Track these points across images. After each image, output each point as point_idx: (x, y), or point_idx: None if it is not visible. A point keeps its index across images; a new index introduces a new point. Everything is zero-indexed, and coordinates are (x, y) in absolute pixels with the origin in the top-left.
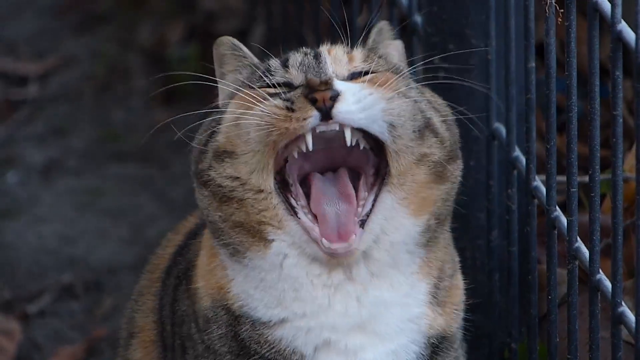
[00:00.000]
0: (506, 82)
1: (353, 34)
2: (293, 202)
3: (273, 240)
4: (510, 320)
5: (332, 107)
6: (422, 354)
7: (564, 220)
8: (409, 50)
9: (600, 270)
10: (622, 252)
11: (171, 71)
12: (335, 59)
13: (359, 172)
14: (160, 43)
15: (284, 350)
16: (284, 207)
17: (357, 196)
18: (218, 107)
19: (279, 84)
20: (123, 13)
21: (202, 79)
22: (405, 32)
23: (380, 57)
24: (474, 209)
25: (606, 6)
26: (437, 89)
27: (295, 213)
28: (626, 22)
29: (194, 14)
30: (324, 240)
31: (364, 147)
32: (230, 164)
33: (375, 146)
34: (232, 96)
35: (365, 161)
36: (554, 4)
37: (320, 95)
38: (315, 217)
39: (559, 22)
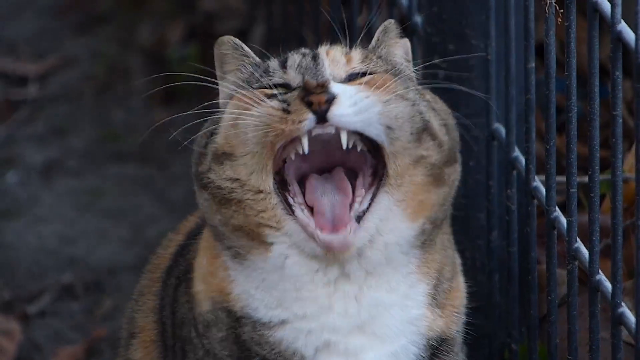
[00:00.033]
0: (506, 82)
1: (353, 35)
2: (291, 200)
3: (273, 243)
4: (511, 321)
5: (327, 110)
6: (421, 355)
7: (563, 220)
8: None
9: (600, 271)
10: (622, 252)
11: (171, 71)
12: (334, 60)
13: (356, 172)
14: (160, 43)
15: (285, 351)
16: (282, 206)
17: (354, 193)
18: (213, 107)
19: (277, 85)
20: (123, 13)
21: (201, 79)
22: (405, 32)
23: (379, 57)
24: (473, 210)
25: (606, 6)
26: (436, 89)
27: (293, 212)
28: (626, 22)
29: (194, 14)
30: (318, 232)
31: (361, 149)
32: (230, 165)
33: (373, 148)
34: (231, 96)
35: (363, 162)
36: (553, 4)
37: (315, 99)
38: (311, 212)
39: (559, 23)
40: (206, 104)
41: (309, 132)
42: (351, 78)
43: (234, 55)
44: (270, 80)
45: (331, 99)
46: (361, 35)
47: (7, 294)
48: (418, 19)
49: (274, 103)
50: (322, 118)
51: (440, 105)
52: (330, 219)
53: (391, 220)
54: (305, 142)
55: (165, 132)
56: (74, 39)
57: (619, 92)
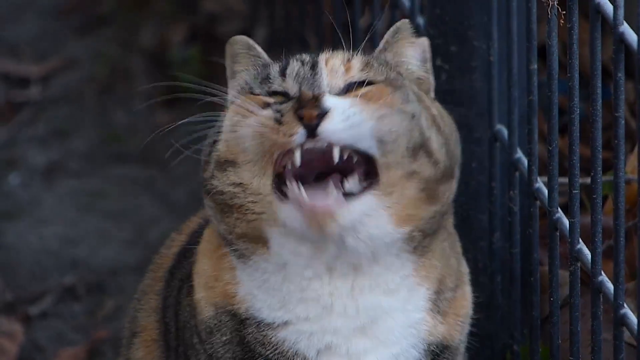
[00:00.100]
0: (508, 83)
1: (355, 36)
2: (285, 189)
3: (270, 237)
4: (513, 322)
5: (318, 124)
6: None
7: (566, 222)
8: None
9: (603, 272)
10: (624, 253)
11: (173, 73)
12: (332, 70)
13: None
14: (162, 45)
15: (287, 351)
16: (277, 196)
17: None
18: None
19: (276, 93)
20: (125, 15)
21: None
22: None
23: (382, 64)
24: (476, 211)
25: (608, 8)
26: (438, 90)
27: (287, 196)
28: (628, 24)
29: (196, 15)
30: (304, 195)
31: (356, 160)
32: (233, 172)
33: (366, 158)
34: (232, 102)
35: (359, 166)
36: (556, 5)
37: (306, 113)
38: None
39: (561, 24)
40: (210, 113)
41: (302, 145)
42: (350, 87)
43: (245, 55)
44: (269, 87)
45: (323, 114)
46: (365, 40)
47: (9, 295)
48: (420, 20)
49: (268, 113)
50: (312, 133)
51: (446, 120)
52: (316, 187)
53: (376, 218)
54: (297, 155)
55: (167, 134)
56: (75, 40)
57: (621, 94)
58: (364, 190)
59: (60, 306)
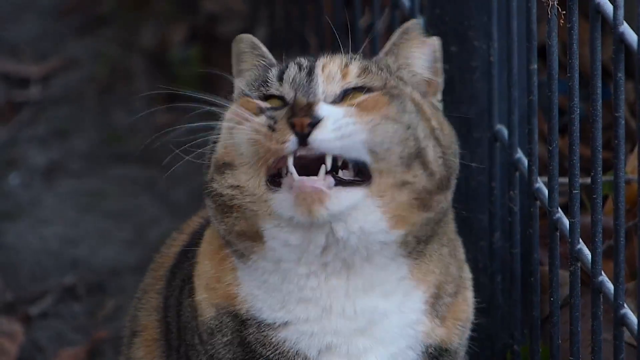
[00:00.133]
0: (508, 84)
1: (355, 37)
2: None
3: (264, 230)
4: (513, 322)
5: (309, 133)
6: None
7: (566, 222)
8: None
9: (603, 272)
10: (624, 254)
11: (173, 73)
12: (329, 76)
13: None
14: (162, 45)
15: (288, 351)
16: (269, 188)
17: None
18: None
19: (273, 97)
20: (125, 15)
21: (203, 80)
22: None
23: (382, 69)
24: (476, 211)
25: (608, 8)
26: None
27: (280, 184)
28: (628, 24)
29: (196, 15)
30: (295, 174)
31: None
32: (231, 174)
33: (360, 162)
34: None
35: (353, 166)
36: (556, 5)
37: (298, 121)
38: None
39: (561, 24)
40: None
41: (294, 152)
42: (346, 93)
43: (251, 54)
44: (267, 90)
45: (315, 123)
46: (365, 43)
47: (9, 295)
48: (420, 20)
49: (262, 119)
50: (304, 141)
51: (446, 130)
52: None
53: (367, 213)
54: (290, 162)
55: (168, 134)
56: (76, 40)
57: (621, 94)
58: (355, 183)
59: (61, 306)
